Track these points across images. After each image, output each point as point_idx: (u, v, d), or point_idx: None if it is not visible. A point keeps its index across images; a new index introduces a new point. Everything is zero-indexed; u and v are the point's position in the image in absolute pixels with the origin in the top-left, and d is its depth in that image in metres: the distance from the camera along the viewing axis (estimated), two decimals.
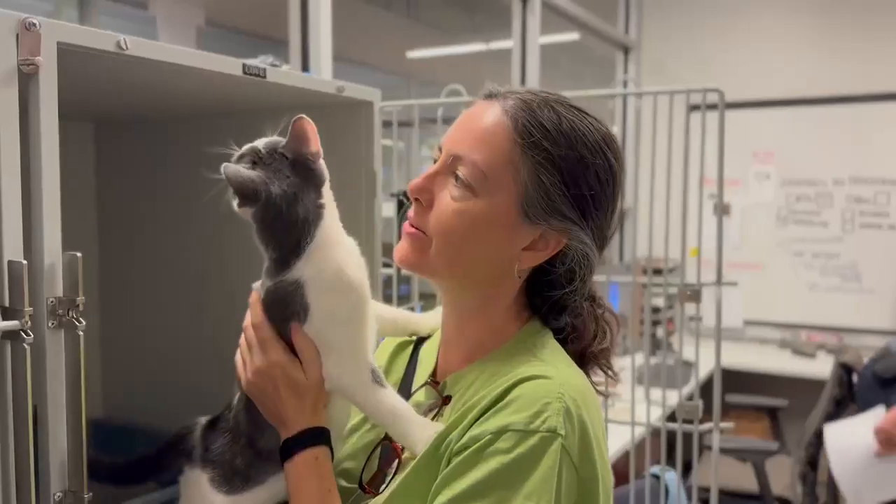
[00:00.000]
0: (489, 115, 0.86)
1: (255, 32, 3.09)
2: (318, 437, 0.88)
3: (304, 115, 0.86)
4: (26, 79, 0.77)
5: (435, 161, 0.90)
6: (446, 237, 0.86)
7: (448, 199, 0.86)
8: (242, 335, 0.94)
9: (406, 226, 0.89)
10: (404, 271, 1.04)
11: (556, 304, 0.91)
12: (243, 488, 0.91)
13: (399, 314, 1.08)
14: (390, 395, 0.89)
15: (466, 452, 0.79)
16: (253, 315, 0.92)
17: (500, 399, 0.81)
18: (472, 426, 0.81)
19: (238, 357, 0.94)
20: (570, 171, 0.84)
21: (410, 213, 0.89)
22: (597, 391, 0.91)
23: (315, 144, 0.87)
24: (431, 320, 1.05)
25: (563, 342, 0.92)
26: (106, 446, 1.52)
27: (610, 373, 0.95)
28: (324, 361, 0.88)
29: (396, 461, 0.90)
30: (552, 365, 0.85)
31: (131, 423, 1.54)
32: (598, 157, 0.85)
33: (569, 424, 0.78)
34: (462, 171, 0.85)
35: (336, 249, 0.88)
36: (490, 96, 0.89)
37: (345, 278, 0.87)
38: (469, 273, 0.89)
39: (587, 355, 0.93)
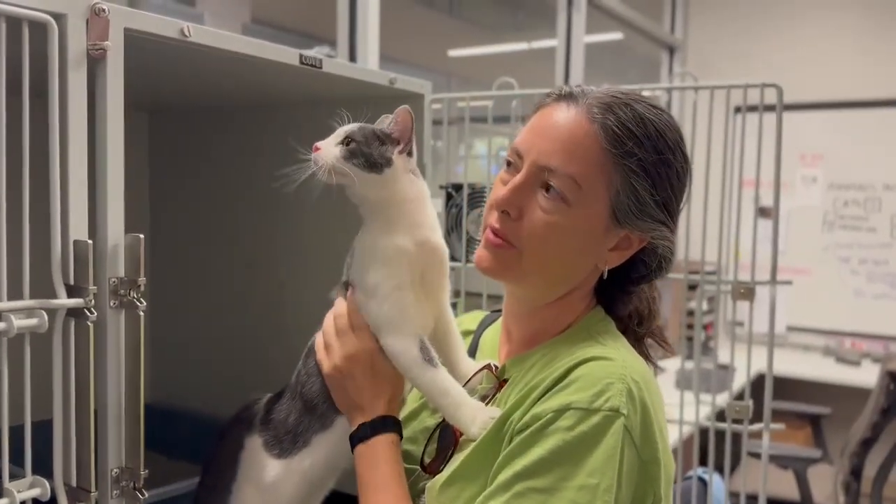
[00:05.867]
0: (574, 122, 0.85)
1: (298, 30, 3.12)
2: (397, 425, 0.91)
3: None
4: (94, 63, 0.78)
5: (509, 163, 0.89)
6: (540, 249, 0.86)
7: (539, 211, 0.85)
8: (327, 320, 0.96)
9: (490, 235, 0.88)
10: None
11: (625, 293, 0.93)
12: (291, 451, 0.95)
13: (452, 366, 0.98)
14: (441, 376, 0.89)
15: (528, 430, 0.79)
16: (348, 302, 0.94)
17: (562, 378, 0.81)
18: (534, 405, 0.81)
19: (320, 341, 0.96)
20: (658, 174, 0.85)
21: (493, 221, 0.88)
22: (652, 363, 0.94)
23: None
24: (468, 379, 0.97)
25: (625, 330, 0.93)
26: (147, 430, 1.54)
27: (665, 345, 0.97)
28: (373, 331, 0.91)
29: (455, 444, 0.90)
30: (614, 349, 0.86)
31: (174, 408, 1.56)
32: (678, 155, 0.87)
33: (631, 405, 0.78)
34: (555, 184, 0.84)
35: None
36: (565, 97, 0.88)
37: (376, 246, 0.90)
38: (558, 278, 0.90)
39: (646, 334, 0.96)
